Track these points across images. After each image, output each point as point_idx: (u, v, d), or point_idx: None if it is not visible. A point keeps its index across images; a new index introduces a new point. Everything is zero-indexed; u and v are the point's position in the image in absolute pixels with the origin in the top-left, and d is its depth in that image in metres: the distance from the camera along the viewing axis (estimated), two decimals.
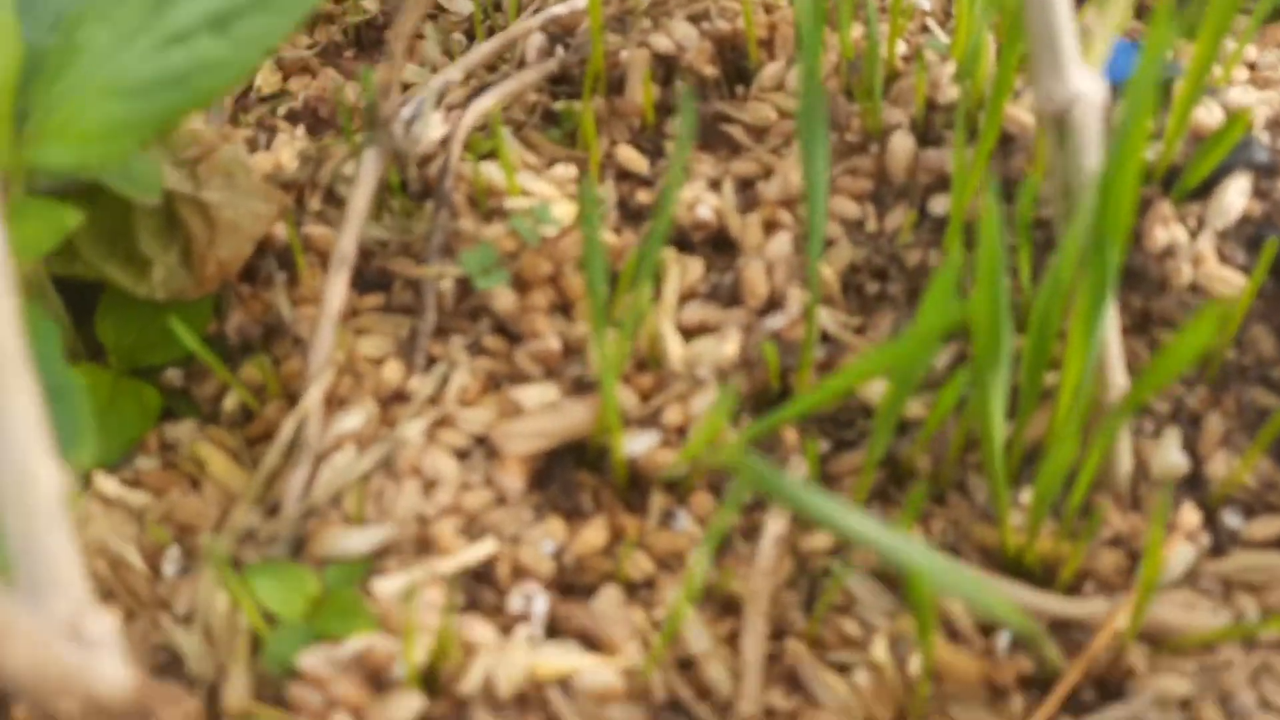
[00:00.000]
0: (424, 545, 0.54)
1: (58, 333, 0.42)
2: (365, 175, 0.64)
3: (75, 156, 0.53)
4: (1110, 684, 0.52)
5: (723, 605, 0.55)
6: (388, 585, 0.52)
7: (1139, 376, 0.47)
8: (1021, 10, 0.46)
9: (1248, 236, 0.59)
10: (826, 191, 0.52)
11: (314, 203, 0.67)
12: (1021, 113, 0.64)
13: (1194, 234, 0.60)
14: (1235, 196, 0.60)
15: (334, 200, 0.68)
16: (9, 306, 0.36)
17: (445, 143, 0.67)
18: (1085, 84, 0.46)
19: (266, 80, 0.79)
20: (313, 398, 0.57)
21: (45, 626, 0.39)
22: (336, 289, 0.60)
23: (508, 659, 0.51)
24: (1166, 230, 0.59)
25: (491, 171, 0.66)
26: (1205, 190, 0.61)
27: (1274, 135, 0.62)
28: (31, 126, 0.54)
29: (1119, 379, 0.52)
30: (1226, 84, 0.66)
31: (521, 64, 0.73)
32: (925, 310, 0.45)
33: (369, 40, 0.82)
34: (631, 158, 0.68)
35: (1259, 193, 0.61)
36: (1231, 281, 0.58)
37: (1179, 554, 0.54)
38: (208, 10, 0.54)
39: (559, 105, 0.71)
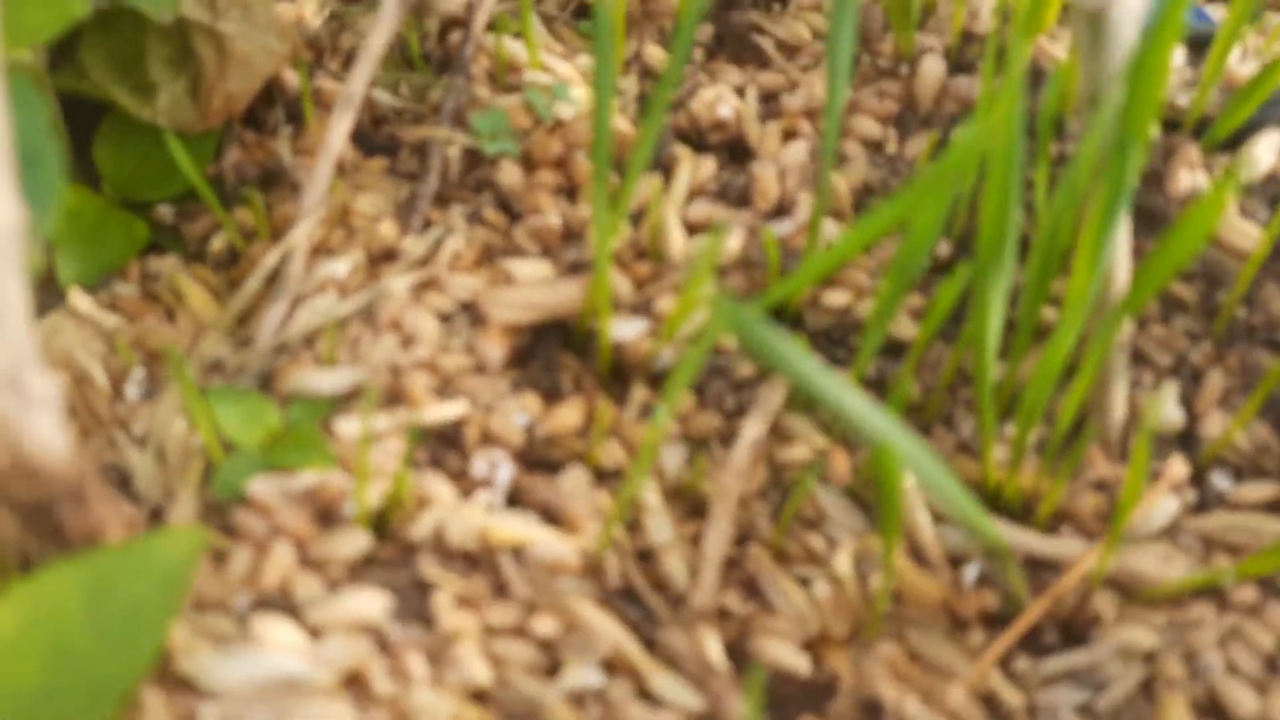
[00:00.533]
0: (394, 395, 0.53)
1: (44, 104, 0.41)
2: (385, 15, 0.61)
3: None
4: (1075, 628, 0.51)
5: (692, 506, 0.54)
6: (351, 427, 0.51)
7: (1139, 282, 0.45)
8: None
9: (1273, 194, 0.58)
10: (845, 88, 0.50)
11: (333, 65, 0.66)
12: (1056, 48, 0.62)
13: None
14: (1265, 151, 0.58)
15: (353, 64, 0.66)
16: None
17: (470, 7, 0.66)
18: None
19: None
20: (300, 233, 0.56)
21: None
22: (340, 128, 0.59)
23: (462, 516, 0.49)
24: (1191, 175, 0.57)
25: (515, 50, 0.65)
26: (1235, 143, 0.59)
27: None
28: None
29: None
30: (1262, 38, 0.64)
31: None
32: (931, 174, 0.43)
33: None
34: (658, 57, 0.66)
35: None
36: (1250, 235, 0.56)
37: (1161, 506, 0.52)
38: None
39: None
